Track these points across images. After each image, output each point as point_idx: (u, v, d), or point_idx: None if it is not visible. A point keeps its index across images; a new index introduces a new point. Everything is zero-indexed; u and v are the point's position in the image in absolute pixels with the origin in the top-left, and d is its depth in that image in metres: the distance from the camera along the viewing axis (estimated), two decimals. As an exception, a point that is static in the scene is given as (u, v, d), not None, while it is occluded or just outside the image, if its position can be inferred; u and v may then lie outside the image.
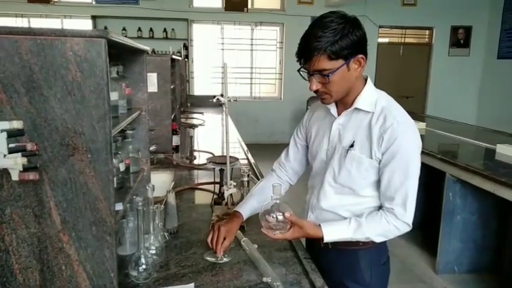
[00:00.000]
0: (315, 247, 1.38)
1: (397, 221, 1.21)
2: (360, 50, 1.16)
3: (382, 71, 7.78)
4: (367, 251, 1.31)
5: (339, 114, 1.29)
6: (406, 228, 1.22)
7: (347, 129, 1.27)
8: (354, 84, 1.21)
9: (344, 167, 1.26)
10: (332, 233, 1.23)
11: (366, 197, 1.28)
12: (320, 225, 1.24)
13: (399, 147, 1.17)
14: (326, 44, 1.10)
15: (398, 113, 1.21)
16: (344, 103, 1.27)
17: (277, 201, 1.19)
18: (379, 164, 1.22)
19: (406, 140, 1.18)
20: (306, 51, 1.14)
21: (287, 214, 1.17)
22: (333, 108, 1.30)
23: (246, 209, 1.42)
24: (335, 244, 1.29)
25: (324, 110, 1.34)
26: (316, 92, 1.21)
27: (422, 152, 3.20)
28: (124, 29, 7.27)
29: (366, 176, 1.24)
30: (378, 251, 1.34)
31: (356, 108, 1.24)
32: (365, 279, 1.32)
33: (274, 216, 1.18)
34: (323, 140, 1.33)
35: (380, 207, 1.27)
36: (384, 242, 1.33)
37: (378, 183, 1.25)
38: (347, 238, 1.23)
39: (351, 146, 1.24)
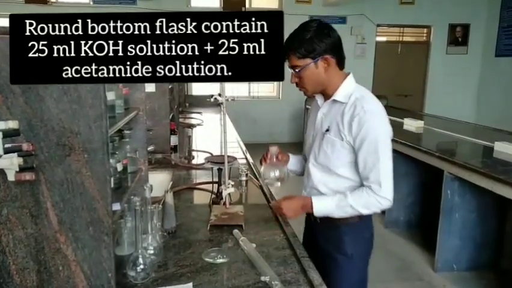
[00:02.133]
0: (309, 223, 1.62)
1: (375, 195, 1.39)
2: (328, 52, 1.38)
3: (380, 69, 7.78)
4: (351, 227, 1.49)
5: None
6: (386, 202, 1.40)
7: (327, 117, 1.49)
8: (328, 80, 1.43)
9: (322, 148, 1.48)
10: (320, 204, 1.44)
11: (343, 176, 1.47)
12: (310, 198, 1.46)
13: (367, 133, 1.37)
14: (294, 46, 1.37)
15: (367, 103, 1.40)
16: (327, 96, 1.48)
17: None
18: (351, 147, 1.42)
19: (373, 127, 1.37)
20: (284, 51, 1.29)
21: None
22: (320, 101, 1.53)
23: (292, 158, 1.70)
24: (324, 220, 1.48)
25: (316, 103, 1.57)
26: (297, 85, 1.46)
27: (420, 150, 3.23)
28: (121, 29, 7.25)
29: (339, 156, 1.45)
30: (362, 226, 1.53)
31: (334, 100, 1.46)
32: (348, 251, 1.51)
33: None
34: (311, 127, 1.58)
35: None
36: (368, 219, 1.54)
37: (352, 164, 1.45)
38: (334, 208, 1.42)
39: (327, 130, 1.47)
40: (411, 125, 4.24)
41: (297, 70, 1.40)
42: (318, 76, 1.41)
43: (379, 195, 1.38)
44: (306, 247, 1.47)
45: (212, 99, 1.72)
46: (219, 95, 1.70)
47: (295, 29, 1.40)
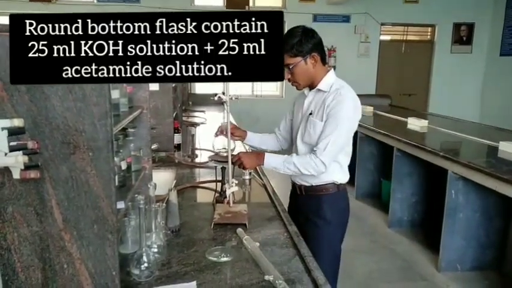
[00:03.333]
0: (294, 196, 1.91)
1: (316, 158, 1.65)
2: (314, 50, 1.68)
3: (384, 68, 7.75)
4: (328, 196, 1.78)
5: None
6: (321, 166, 1.66)
7: (312, 103, 1.78)
8: (315, 74, 1.72)
9: (307, 129, 1.76)
10: (270, 158, 1.72)
11: None
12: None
13: (336, 111, 1.66)
14: (287, 48, 1.64)
15: (344, 91, 1.69)
16: (313, 87, 1.77)
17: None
18: None
19: (341, 108, 1.66)
20: None
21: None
22: (306, 91, 1.82)
23: (251, 134, 1.99)
24: (307, 190, 1.80)
25: (302, 93, 1.85)
26: (289, 81, 1.72)
27: (424, 150, 3.22)
28: (125, 27, 7.25)
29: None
30: (338, 196, 1.81)
31: (318, 89, 1.75)
32: (326, 216, 1.78)
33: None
34: (298, 113, 1.86)
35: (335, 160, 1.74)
36: (343, 191, 1.83)
37: None
38: (280, 163, 1.70)
39: (310, 114, 1.76)
40: (415, 124, 4.22)
41: (290, 67, 1.67)
42: (308, 71, 1.70)
43: (318, 157, 1.65)
44: (291, 215, 1.75)
45: (216, 98, 1.72)
46: (223, 93, 1.70)
47: (285, 34, 1.66)
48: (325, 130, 1.67)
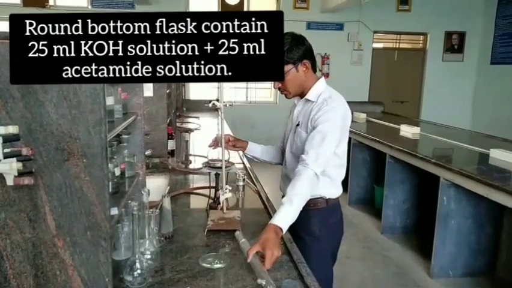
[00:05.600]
0: None
1: (310, 171, 1.50)
2: (305, 57, 1.63)
3: (377, 76, 7.82)
4: (317, 211, 1.69)
5: None
6: (315, 178, 1.52)
7: (300, 113, 1.73)
8: (306, 82, 1.67)
9: (294, 140, 1.72)
10: (282, 219, 1.41)
11: None
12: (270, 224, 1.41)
13: (324, 120, 1.58)
14: None
15: (332, 101, 1.62)
16: (302, 96, 1.72)
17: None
18: None
19: (329, 118, 1.58)
20: None
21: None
22: (297, 100, 1.77)
23: (253, 145, 1.94)
24: None
25: (294, 103, 1.81)
26: (279, 89, 1.68)
27: (416, 156, 3.25)
28: (119, 33, 7.25)
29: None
30: (327, 212, 1.71)
31: (306, 99, 1.69)
32: (314, 232, 1.70)
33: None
34: (289, 122, 1.82)
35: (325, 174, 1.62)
36: (334, 206, 1.74)
37: None
38: (293, 212, 1.43)
39: (297, 124, 1.71)
40: (407, 131, 4.26)
41: None
42: (299, 79, 1.65)
43: (310, 168, 1.51)
44: None
45: (210, 105, 1.73)
46: (217, 100, 1.71)
47: None
48: (314, 138, 1.57)
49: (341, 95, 1.69)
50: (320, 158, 1.53)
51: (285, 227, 1.40)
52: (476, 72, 8.02)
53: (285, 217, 1.42)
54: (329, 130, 1.57)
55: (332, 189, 1.72)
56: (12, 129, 0.89)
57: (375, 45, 7.86)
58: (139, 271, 1.19)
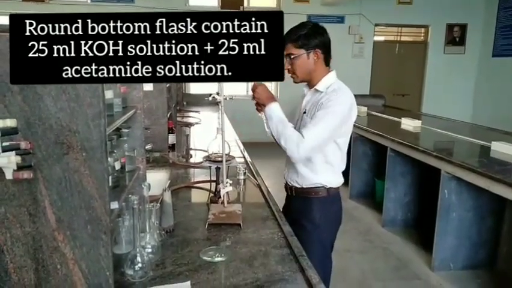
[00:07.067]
0: (287, 195, 1.91)
1: (301, 142, 1.59)
2: (319, 47, 1.68)
3: (378, 68, 7.79)
4: (319, 199, 1.76)
5: None
6: (301, 151, 1.60)
7: (309, 103, 1.78)
8: (315, 71, 1.72)
9: (300, 128, 1.73)
10: (275, 108, 1.68)
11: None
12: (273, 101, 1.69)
13: (328, 106, 1.64)
14: (293, 37, 1.67)
15: (341, 92, 1.69)
16: (311, 86, 1.78)
17: None
18: None
19: (334, 104, 1.64)
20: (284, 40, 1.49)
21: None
22: (306, 90, 1.83)
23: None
24: (297, 192, 1.80)
25: (303, 94, 1.87)
26: (288, 71, 1.71)
27: (417, 150, 3.24)
28: (119, 27, 7.22)
29: None
30: (328, 201, 1.78)
31: (316, 89, 1.75)
32: (315, 220, 1.76)
33: None
34: (297, 113, 1.88)
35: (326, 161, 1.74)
36: (335, 196, 1.80)
37: None
38: (277, 118, 1.66)
39: (304, 112, 1.77)
40: (408, 124, 4.25)
41: (291, 57, 1.68)
42: (308, 66, 1.70)
43: (302, 142, 1.60)
44: (284, 215, 1.72)
45: (210, 98, 1.72)
46: (217, 93, 1.70)
47: (296, 25, 1.69)
48: (315, 116, 1.65)
49: (350, 90, 1.73)
50: (313, 130, 1.60)
51: (272, 108, 1.67)
52: (477, 64, 7.99)
53: (276, 112, 1.67)
54: (330, 111, 1.63)
55: (333, 178, 1.78)
56: (10, 123, 0.88)
57: (377, 38, 7.83)
58: (140, 265, 1.19)
